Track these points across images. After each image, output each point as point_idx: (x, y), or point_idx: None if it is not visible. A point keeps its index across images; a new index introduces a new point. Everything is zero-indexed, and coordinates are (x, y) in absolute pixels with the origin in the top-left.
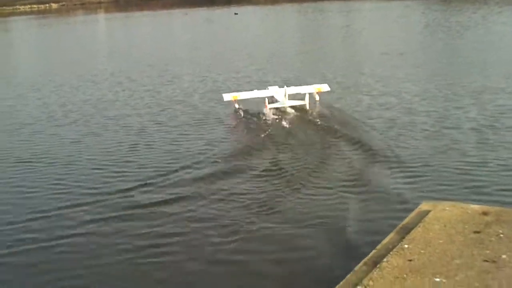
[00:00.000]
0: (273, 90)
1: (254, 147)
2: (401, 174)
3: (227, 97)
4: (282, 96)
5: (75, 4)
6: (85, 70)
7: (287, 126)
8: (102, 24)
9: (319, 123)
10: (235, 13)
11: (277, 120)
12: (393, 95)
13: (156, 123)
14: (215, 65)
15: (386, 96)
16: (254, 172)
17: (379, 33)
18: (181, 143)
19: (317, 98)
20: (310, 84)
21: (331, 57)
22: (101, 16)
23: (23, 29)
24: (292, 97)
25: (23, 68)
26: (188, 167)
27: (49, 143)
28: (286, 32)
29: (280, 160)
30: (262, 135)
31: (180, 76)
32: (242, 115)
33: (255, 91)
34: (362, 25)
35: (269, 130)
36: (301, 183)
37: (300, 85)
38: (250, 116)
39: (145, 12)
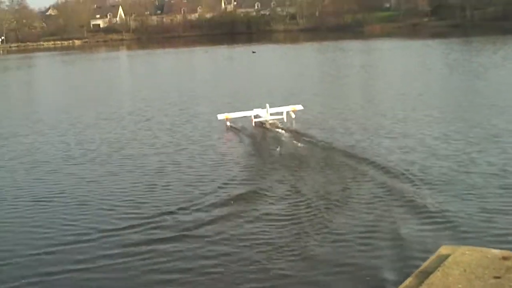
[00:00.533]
0: (257, 110)
1: (268, 184)
2: (421, 218)
3: (221, 116)
4: (264, 113)
5: (97, 41)
6: (104, 107)
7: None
8: (124, 61)
9: (337, 163)
10: (253, 52)
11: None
12: (412, 137)
13: (174, 163)
14: (234, 103)
15: (405, 139)
16: (271, 212)
17: (399, 73)
18: (197, 184)
19: (293, 115)
20: None
21: (350, 97)
22: (123, 53)
23: (46, 65)
24: (273, 114)
25: (43, 104)
26: (203, 207)
27: (65, 182)
28: (305, 71)
29: (295, 202)
30: (275, 168)
31: (198, 115)
32: (236, 133)
33: (243, 111)
34: (381, 65)
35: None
36: (318, 225)
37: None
38: (244, 134)
39: (167, 50)
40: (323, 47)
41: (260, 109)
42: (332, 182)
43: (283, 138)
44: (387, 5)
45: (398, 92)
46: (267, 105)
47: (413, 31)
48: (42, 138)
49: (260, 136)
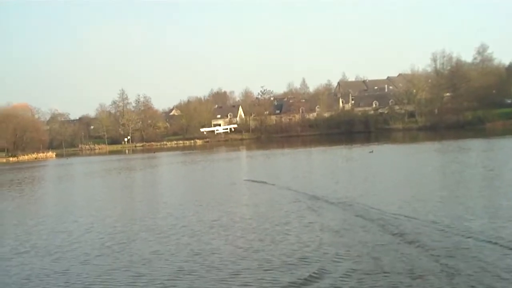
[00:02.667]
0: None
1: None
2: None
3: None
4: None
5: (218, 141)
6: (218, 212)
7: None
8: (243, 162)
9: None
10: (370, 152)
11: None
12: None
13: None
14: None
15: None
16: None
17: None
18: None
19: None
20: None
21: (477, 205)
22: (243, 153)
23: (168, 164)
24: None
25: (160, 208)
26: None
27: None
28: (424, 172)
29: None
30: None
31: (308, 225)
32: None
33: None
34: (508, 166)
35: None
36: None
37: None
38: None
39: (285, 150)
40: (444, 147)
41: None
42: None
43: None
44: (509, 101)
45: None
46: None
47: None
48: (147, 249)
49: None
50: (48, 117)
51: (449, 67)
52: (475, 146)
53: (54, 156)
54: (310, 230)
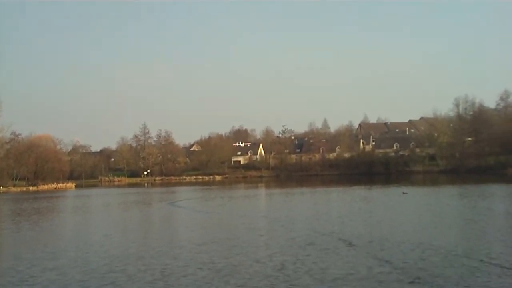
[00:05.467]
0: None
1: None
2: None
3: None
4: None
5: (237, 177)
6: (228, 253)
7: None
8: (262, 200)
9: None
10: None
11: None
12: None
13: None
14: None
15: None
16: None
17: None
18: None
19: None
20: None
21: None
22: (261, 191)
23: (186, 199)
24: None
25: (166, 249)
26: None
27: None
28: (447, 219)
29: None
30: None
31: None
32: None
33: None
34: None
35: None
36: None
37: None
38: None
39: (304, 189)
40: (464, 191)
41: None
42: None
43: None
44: None
45: None
46: None
47: None
48: None
49: None
50: (69, 148)
51: (471, 112)
52: (497, 191)
53: (74, 186)
54: None
